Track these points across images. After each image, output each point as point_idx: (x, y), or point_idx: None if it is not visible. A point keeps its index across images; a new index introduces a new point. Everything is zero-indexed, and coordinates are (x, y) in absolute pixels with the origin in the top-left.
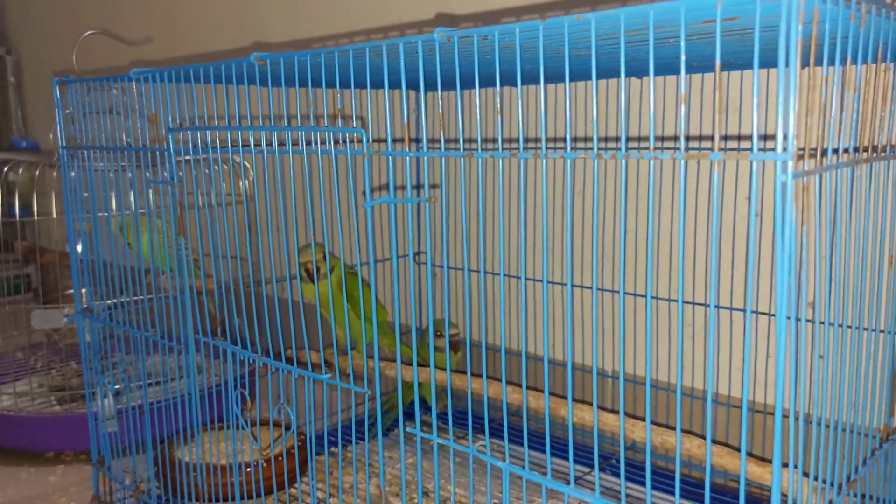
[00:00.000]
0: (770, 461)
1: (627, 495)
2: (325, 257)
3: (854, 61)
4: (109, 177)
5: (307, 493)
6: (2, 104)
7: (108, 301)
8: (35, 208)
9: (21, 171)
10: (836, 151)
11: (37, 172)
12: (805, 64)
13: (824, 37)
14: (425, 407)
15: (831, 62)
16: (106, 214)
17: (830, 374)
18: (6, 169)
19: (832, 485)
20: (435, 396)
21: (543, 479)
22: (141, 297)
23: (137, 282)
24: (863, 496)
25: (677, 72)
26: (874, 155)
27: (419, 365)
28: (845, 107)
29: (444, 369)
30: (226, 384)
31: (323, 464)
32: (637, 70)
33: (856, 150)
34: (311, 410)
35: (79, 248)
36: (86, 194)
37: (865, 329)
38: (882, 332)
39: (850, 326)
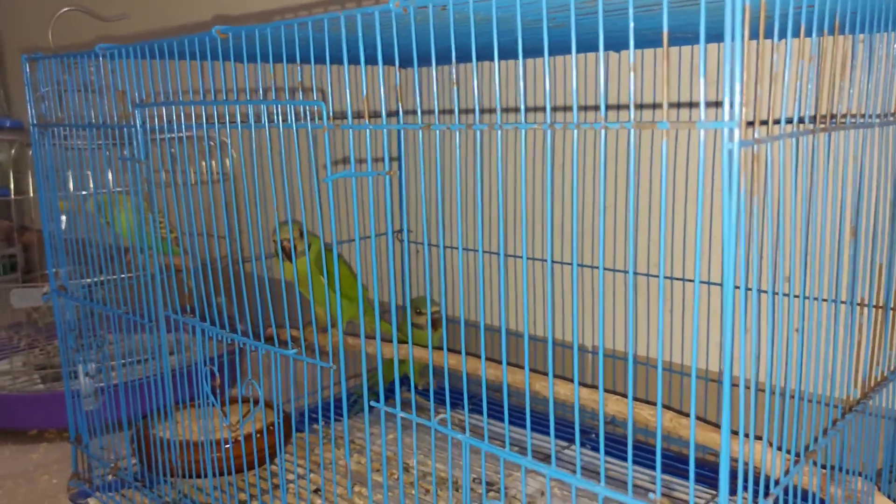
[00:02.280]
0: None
1: (589, 468)
2: (301, 235)
3: (809, 31)
4: (83, 154)
5: (288, 470)
6: None
7: (85, 280)
8: (11, 186)
9: (12, 149)
10: (790, 121)
11: (12, 151)
12: (754, 33)
13: (775, 6)
14: (409, 385)
15: (783, 31)
16: (81, 193)
17: (785, 344)
18: None
19: (789, 453)
20: (414, 373)
21: (501, 451)
22: (116, 277)
23: (113, 260)
24: (824, 466)
25: (640, 45)
26: (833, 125)
27: (400, 342)
28: (800, 76)
29: (426, 346)
30: (210, 361)
31: (304, 441)
32: (593, 44)
33: (813, 119)
34: (276, 386)
35: (56, 226)
36: (68, 172)
37: (825, 300)
38: (843, 303)
39: (808, 297)
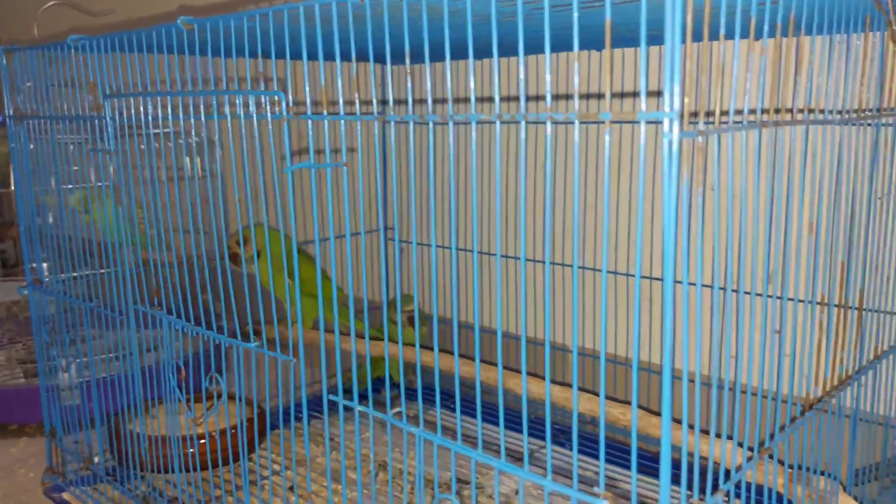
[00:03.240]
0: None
1: (558, 467)
2: (242, 241)
3: (760, 29)
4: (63, 148)
5: (263, 466)
6: None
7: (63, 275)
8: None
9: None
10: (740, 113)
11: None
12: (699, 26)
13: (721, 2)
14: (392, 382)
15: (731, 25)
16: (61, 186)
17: (734, 339)
18: None
19: (751, 449)
20: (392, 370)
21: (454, 445)
22: (94, 271)
23: (91, 254)
24: (781, 462)
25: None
26: (788, 119)
27: (379, 340)
28: (751, 69)
29: (404, 344)
30: (196, 356)
31: (281, 437)
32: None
33: (766, 112)
34: (238, 380)
35: (32, 220)
36: (49, 166)
37: (779, 297)
38: (802, 301)
39: (757, 294)
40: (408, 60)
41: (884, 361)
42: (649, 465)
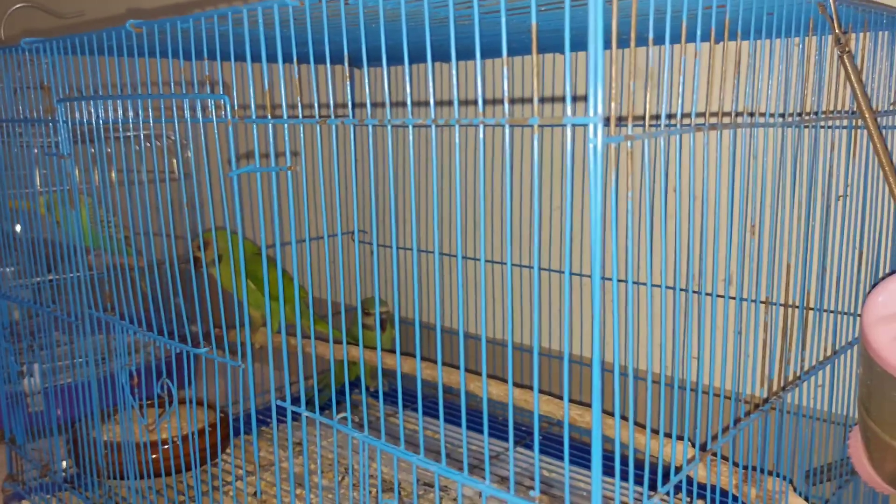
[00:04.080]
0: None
1: (529, 471)
2: (201, 246)
3: (693, 31)
4: (21, 150)
5: (227, 472)
6: None
7: (27, 280)
8: None
9: None
10: (672, 117)
11: None
12: (626, 31)
13: (649, 7)
14: (360, 386)
15: (661, 31)
16: (25, 190)
17: (673, 336)
18: None
19: (679, 439)
20: (365, 375)
21: (395, 450)
22: (53, 276)
23: (54, 259)
24: (726, 459)
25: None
26: (723, 122)
27: (350, 343)
28: (682, 73)
29: (374, 348)
30: (159, 362)
31: (246, 443)
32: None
33: (700, 115)
34: (189, 387)
35: (5, 223)
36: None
37: (721, 296)
38: (743, 300)
39: (696, 292)
40: (346, 65)
41: (835, 361)
42: (608, 465)
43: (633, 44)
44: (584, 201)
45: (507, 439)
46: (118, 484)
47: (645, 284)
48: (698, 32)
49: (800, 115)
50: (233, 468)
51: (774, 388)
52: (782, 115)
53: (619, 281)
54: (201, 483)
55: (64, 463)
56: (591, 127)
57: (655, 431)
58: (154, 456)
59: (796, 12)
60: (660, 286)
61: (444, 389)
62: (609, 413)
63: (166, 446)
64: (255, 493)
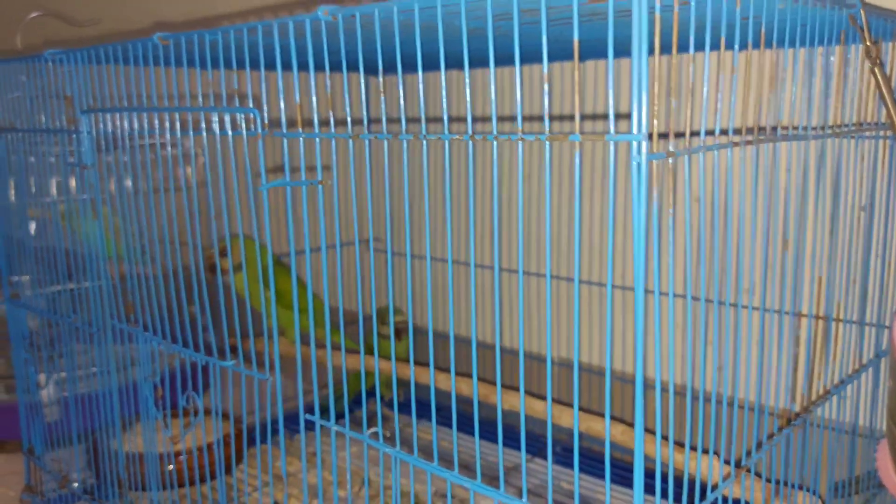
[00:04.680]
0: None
1: (557, 484)
2: (224, 252)
3: (731, 43)
4: (39, 161)
5: (244, 482)
6: None
7: (45, 288)
8: None
9: None
10: (711, 133)
11: None
12: (667, 46)
13: (689, 17)
14: (375, 395)
15: (700, 44)
16: (44, 199)
17: (710, 352)
18: None
19: (721, 459)
20: (380, 384)
21: (428, 466)
22: (72, 285)
23: (69, 267)
24: (758, 475)
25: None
26: (760, 137)
27: (369, 354)
28: (721, 89)
29: (387, 357)
30: (173, 374)
31: (263, 453)
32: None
33: (738, 132)
34: (214, 399)
35: (20, 232)
36: (29, 178)
37: (756, 309)
38: (777, 312)
39: (735, 305)
40: (380, 80)
41: (863, 374)
42: (628, 478)
43: (674, 60)
44: (601, 210)
45: (533, 451)
46: (139, 495)
47: (683, 297)
48: (736, 46)
49: (830, 126)
50: (248, 478)
51: (805, 401)
52: (814, 128)
53: (662, 294)
54: (224, 490)
55: (81, 475)
56: (634, 144)
57: (683, 445)
58: (171, 467)
59: (828, 23)
60: (698, 299)
61: (464, 400)
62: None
63: (181, 457)
64: None
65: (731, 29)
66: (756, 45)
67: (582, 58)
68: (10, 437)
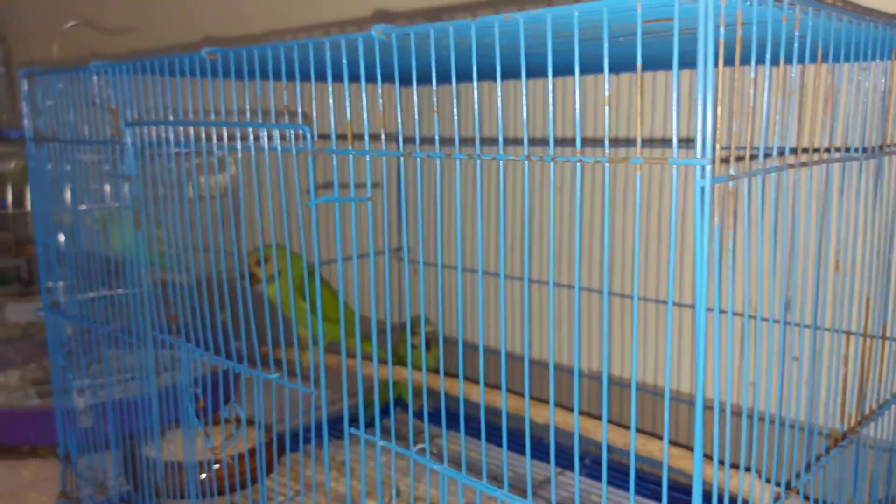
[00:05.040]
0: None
1: (588, 497)
2: (259, 262)
3: (789, 63)
4: (82, 169)
5: (276, 491)
6: None
7: (80, 296)
8: (9, 199)
9: (13, 162)
10: (769, 155)
11: (11, 165)
12: (730, 66)
13: (751, 38)
14: (403, 405)
15: (761, 64)
16: (79, 207)
17: (766, 372)
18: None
19: (774, 483)
20: (408, 394)
21: (478, 484)
22: (110, 293)
23: (109, 276)
24: (807, 498)
25: (619, 71)
26: (814, 158)
27: (397, 363)
28: (779, 109)
29: (420, 368)
30: (204, 381)
31: (293, 462)
32: (571, 70)
33: (794, 152)
34: (258, 410)
35: (57, 240)
36: (66, 186)
37: (807, 327)
38: (828, 330)
39: (788, 324)
40: (434, 99)
41: None
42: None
43: (736, 83)
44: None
45: (561, 464)
46: (175, 502)
47: (742, 315)
48: (794, 64)
49: (881, 147)
50: (281, 487)
51: (852, 421)
52: (865, 149)
53: (722, 312)
54: (265, 498)
55: (118, 481)
56: (699, 168)
57: (734, 466)
58: (204, 476)
59: (880, 41)
60: (754, 317)
61: (493, 411)
62: (682, 446)
63: (216, 466)
64: None
65: (787, 49)
66: (812, 60)
67: (621, 69)
68: (42, 442)
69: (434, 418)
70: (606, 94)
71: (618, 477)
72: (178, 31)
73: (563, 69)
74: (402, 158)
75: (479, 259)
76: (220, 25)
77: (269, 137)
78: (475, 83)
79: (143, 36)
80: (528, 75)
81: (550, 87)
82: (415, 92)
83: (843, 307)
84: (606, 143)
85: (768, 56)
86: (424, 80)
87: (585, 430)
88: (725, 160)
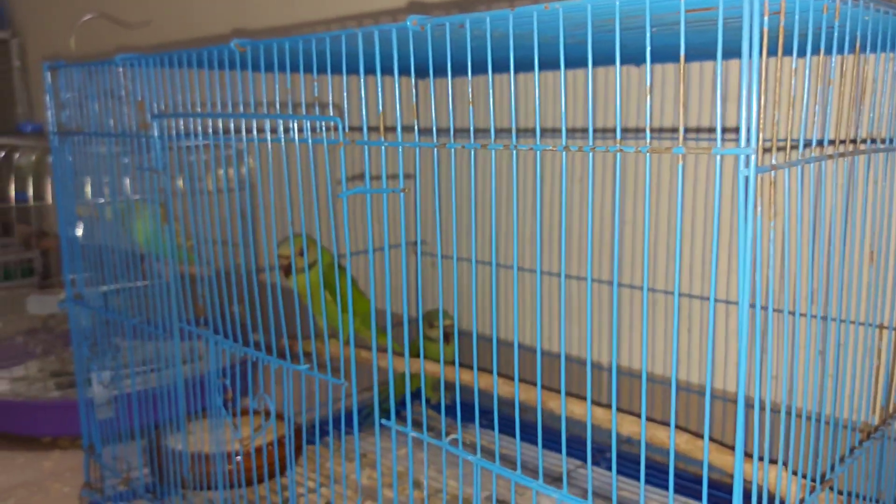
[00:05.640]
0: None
1: (604, 489)
2: (303, 251)
3: (828, 53)
4: (103, 162)
5: (298, 483)
6: (7, 88)
7: (101, 288)
8: (31, 192)
9: (33, 156)
10: (808, 145)
11: (32, 157)
12: (772, 56)
13: (793, 28)
14: (421, 399)
15: (802, 54)
16: (100, 200)
17: (802, 367)
18: (17, 155)
19: (804, 477)
20: (426, 387)
21: (513, 475)
22: (132, 285)
23: (131, 268)
24: (840, 493)
25: (659, 61)
26: (853, 148)
27: (414, 356)
28: (819, 100)
29: (438, 360)
30: (224, 372)
31: (315, 454)
32: (608, 60)
33: (832, 143)
34: (288, 400)
35: (78, 233)
36: (86, 179)
37: (843, 321)
38: (863, 324)
39: (825, 318)
40: (469, 89)
41: None
42: (691, 488)
43: (778, 73)
44: (668, 218)
45: (581, 457)
46: (198, 494)
47: (781, 311)
48: (833, 55)
49: None
50: (305, 478)
51: (884, 414)
52: None
53: (763, 308)
54: (272, 494)
55: (143, 472)
56: (742, 157)
57: (762, 460)
58: (234, 467)
59: None
60: (780, 311)
61: (511, 403)
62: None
63: (246, 457)
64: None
65: (827, 40)
66: (851, 50)
67: (670, 61)
68: (63, 433)
69: (451, 411)
70: (649, 83)
71: (636, 470)
72: (193, 26)
73: (599, 59)
74: (436, 150)
75: (514, 253)
76: (238, 18)
77: (300, 129)
78: (512, 73)
79: (156, 31)
80: (565, 66)
81: (590, 75)
82: (449, 83)
83: (876, 299)
84: (648, 132)
85: (809, 46)
86: (458, 71)
87: (619, 425)
88: (767, 150)
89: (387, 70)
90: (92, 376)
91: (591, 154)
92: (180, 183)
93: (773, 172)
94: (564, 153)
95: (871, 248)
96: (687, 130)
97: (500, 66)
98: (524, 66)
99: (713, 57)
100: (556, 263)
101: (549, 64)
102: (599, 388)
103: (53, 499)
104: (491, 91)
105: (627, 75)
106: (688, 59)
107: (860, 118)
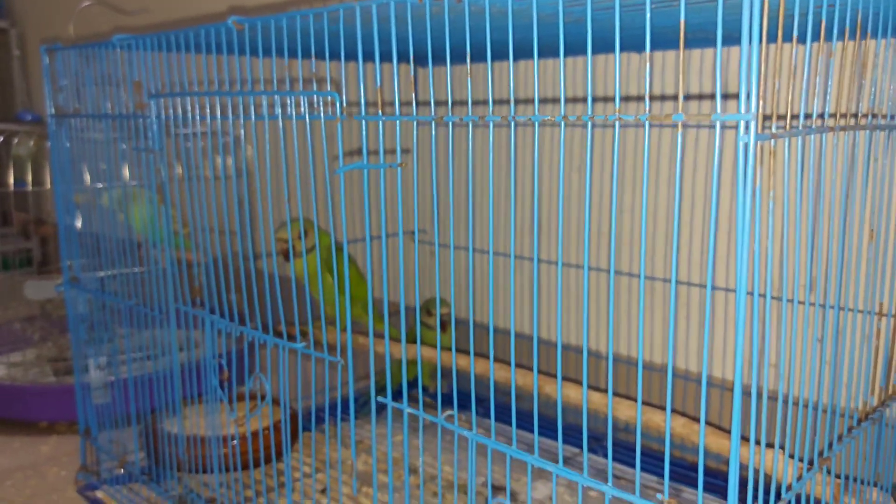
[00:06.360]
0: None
1: (613, 475)
2: (302, 234)
3: (830, 27)
4: (100, 146)
5: (294, 468)
6: (6, 76)
7: (99, 273)
8: (29, 179)
9: (31, 141)
10: (808, 117)
11: (31, 144)
12: (773, 28)
13: (794, 4)
14: (418, 387)
15: (803, 27)
16: (97, 185)
17: (800, 350)
18: (15, 142)
19: (801, 460)
20: (421, 372)
21: (509, 449)
22: (129, 271)
23: (126, 253)
24: (837, 476)
25: (660, 47)
26: (852, 123)
27: (411, 342)
28: (819, 72)
29: (435, 347)
30: (228, 354)
31: (311, 439)
32: (608, 46)
33: (832, 116)
34: (283, 381)
35: (70, 218)
36: (83, 165)
37: (842, 308)
38: (861, 311)
39: (823, 304)
40: (468, 62)
41: None
42: (686, 475)
43: (780, 41)
44: (667, 198)
45: (577, 443)
46: (194, 477)
47: (779, 297)
48: (835, 30)
49: None
50: (301, 464)
51: (883, 395)
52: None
53: (760, 295)
54: (267, 478)
55: (139, 455)
56: (742, 124)
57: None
58: (230, 450)
59: None
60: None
61: (507, 391)
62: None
63: (241, 441)
64: (323, 490)
65: (829, 15)
66: (852, 33)
67: (671, 46)
68: (60, 418)
69: (447, 399)
70: (648, 49)
71: (632, 455)
72: (190, 13)
73: (599, 45)
74: (434, 125)
75: (512, 239)
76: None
77: (297, 105)
78: (511, 45)
79: (154, 17)
80: (556, 49)
81: (589, 48)
82: (448, 56)
83: (876, 280)
84: (647, 100)
85: (810, 19)
86: (456, 55)
87: (616, 409)
88: (767, 118)
89: (385, 50)
90: (89, 361)
91: (589, 124)
92: (179, 170)
93: (772, 141)
94: (563, 123)
95: (871, 227)
96: (687, 98)
97: (499, 46)
98: (523, 50)
99: (713, 43)
100: (554, 251)
101: (548, 49)
102: (597, 376)
103: (50, 482)
104: (489, 63)
105: (627, 61)
106: (687, 42)
107: (861, 93)
